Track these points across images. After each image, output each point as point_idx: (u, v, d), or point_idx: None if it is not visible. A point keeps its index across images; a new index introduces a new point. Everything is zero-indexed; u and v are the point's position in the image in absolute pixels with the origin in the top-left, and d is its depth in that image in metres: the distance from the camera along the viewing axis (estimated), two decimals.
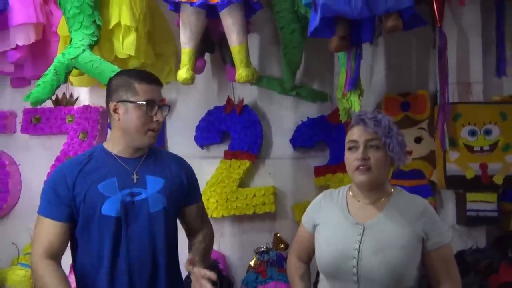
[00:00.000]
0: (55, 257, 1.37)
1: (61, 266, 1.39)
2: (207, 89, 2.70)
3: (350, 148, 1.39)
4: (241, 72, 2.03)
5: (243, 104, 2.60)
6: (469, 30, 2.41)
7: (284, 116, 2.63)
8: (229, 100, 2.62)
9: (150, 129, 1.43)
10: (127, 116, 1.41)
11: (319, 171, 2.52)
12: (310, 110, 2.59)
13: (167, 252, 1.45)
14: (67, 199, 1.38)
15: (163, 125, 2.74)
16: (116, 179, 1.41)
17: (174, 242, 1.53)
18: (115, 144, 1.47)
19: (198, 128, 2.63)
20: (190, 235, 1.61)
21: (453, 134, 2.27)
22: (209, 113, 2.64)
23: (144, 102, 1.40)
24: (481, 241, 2.28)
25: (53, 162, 2.60)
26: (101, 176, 1.41)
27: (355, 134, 1.38)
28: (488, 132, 2.26)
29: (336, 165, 2.48)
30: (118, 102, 1.42)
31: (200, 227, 1.60)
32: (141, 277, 1.40)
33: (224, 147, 2.62)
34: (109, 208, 1.38)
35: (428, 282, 1.40)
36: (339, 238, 1.37)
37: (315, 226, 1.48)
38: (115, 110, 1.43)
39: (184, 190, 1.53)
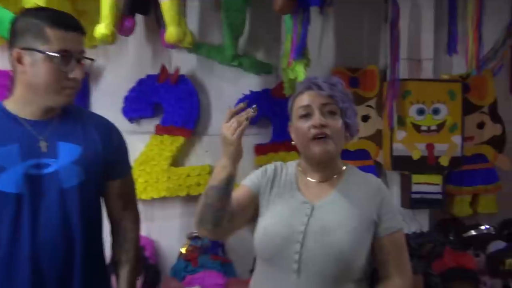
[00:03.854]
0: None
1: None
2: (140, 56, 2.39)
3: (302, 116, 1.17)
4: (171, 30, 1.76)
5: (180, 73, 2.33)
6: (422, 5, 2.32)
7: (224, 89, 2.39)
8: (163, 68, 2.33)
9: (66, 87, 1.15)
10: (35, 69, 1.11)
11: (260, 150, 2.32)
12: (253, 83, 2.38)
13: (85, 236, 1.18)
14: None
15: (86, 93, 2.49)
16: (19, 146, 1.12)
17: (96, 223, 1.26)
18: (18, 103, 1.16)
19: (127, 99, 2.33)
20: (111, 221, 1.32)
21: (401, 112, 2.15)
22: (140, 82, 2.34)
23: (57, 54, 1.10)
24: (425, 225, 2.21)
25: None
26: None
27: (306, 99, 1.17)
28: (436, 111, 2.17)
29: (279, 142, 2.30)
30: (23, 49, 1.11)
31: (122, 215, 1.29)
32: (51, 265, 1.14)
33: (156, 121, 2.35)
34: (8, 183, 1.10)
35: (373, 273, 1.23)
36: (284, 217, 1.17)
37: (258, 194, 1.23)
38: (19, 60, 1.12)
39: (108, 161, 1.24)
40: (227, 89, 2.39)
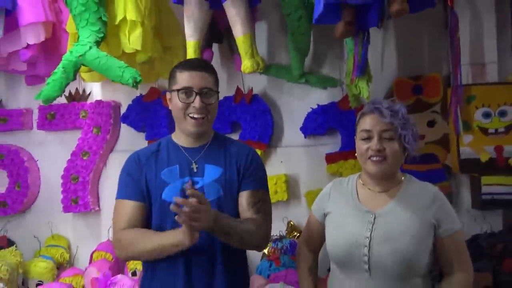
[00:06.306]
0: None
1: None
2: None
3: (363, 139, 1.37)
4: (246, 63, 2.02)
5: (253, 93, 2.59)
6: (483, 9, 2.35)
7: (294, 104, 2.61)
8: (238, 89, 2.61)
9: (189, 115, 1.43)
10: (172, 104, 1.47)
11: (330, 158, 2.51)
12: (320, 97, 2.57)
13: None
14: (140, 181, 1.44)
15: None
16: (178, 167, 1.45)
17: None
18: (177, 134, 1.52)
19: None
20: None
21: (467, 117, 2.22)
22: (219, 103, 2.62)
23: (181, 89, 1.42)
24: (498, 225, 2.25)
25: (69, 157, 2.66)
26: (165, 164, 1.46)
27: (368, 123, 1.36)
28: (503, 114, 2.20)
29: (347, 151, 2.47)
30: (167, 92, 1.49)
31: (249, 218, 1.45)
32: (198, 265, 1.40)
33: (235, 137, 2.61)
34: (169, 194, 1.42)
35: (440, 269, 1.39)
36: (350, 226, 1.37)
37: (325, 215, 1.49)
38: (169, 100, 1.49)
39: (240, 178, 1.48)
40: (296, 105, 2.60)
